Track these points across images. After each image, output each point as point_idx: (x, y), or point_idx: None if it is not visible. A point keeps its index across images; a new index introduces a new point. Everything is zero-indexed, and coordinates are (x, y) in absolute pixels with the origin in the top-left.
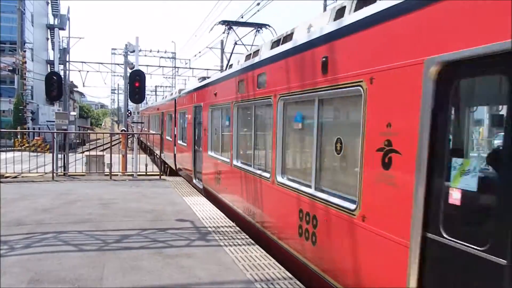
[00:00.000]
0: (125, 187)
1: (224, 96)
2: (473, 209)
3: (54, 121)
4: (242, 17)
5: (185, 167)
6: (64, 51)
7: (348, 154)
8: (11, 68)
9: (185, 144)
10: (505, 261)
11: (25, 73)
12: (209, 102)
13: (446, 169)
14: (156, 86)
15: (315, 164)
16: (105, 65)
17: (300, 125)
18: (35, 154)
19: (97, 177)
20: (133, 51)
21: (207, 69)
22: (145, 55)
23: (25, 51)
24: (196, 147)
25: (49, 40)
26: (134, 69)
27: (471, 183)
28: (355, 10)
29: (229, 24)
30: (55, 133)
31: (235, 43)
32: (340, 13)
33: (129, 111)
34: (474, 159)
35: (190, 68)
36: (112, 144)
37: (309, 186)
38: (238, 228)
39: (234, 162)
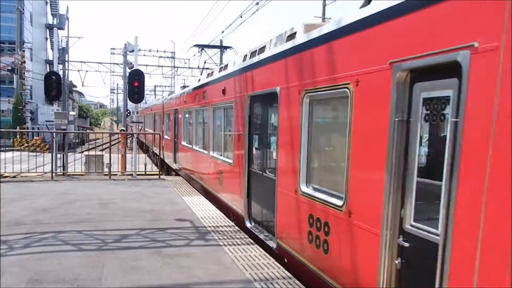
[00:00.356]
0: (124, 187)
1: (189, 103)
2: (258, 155)
3: (53, 121)
4: (241, 17)
5: (169, 155)
6: (63, 51)
7: (233, 137)
8: (10, 68)
9: (169, 138)
10: (264, 174)
11: (24, 73)
12: (182, 106)
13: (253, 140)
14: (155, 86)
15: (223, 143)
16: (104, 65)
17: (219, 122)
18: (34, 154)
19: (96, 177)
20: (132, 51)
21: (207, 69)
22: (144, 55)
23: (24, 51)
24: (175, 140)
25: (48, 40)
26: (133, 68)
27: (256, 145)
28: (242, 60)
29: (201, 47)
30: (54, 133)
31: (205, 62)
32: (245, 57)
33: (128, 111)
34: (257, 136)
35: (189, 67)
36: (112, 143)
37: (221, 155)
38: (237, 227)
39: (194, 147)
